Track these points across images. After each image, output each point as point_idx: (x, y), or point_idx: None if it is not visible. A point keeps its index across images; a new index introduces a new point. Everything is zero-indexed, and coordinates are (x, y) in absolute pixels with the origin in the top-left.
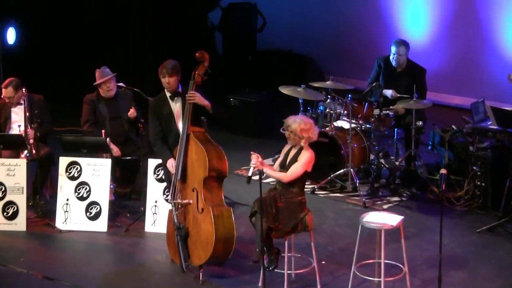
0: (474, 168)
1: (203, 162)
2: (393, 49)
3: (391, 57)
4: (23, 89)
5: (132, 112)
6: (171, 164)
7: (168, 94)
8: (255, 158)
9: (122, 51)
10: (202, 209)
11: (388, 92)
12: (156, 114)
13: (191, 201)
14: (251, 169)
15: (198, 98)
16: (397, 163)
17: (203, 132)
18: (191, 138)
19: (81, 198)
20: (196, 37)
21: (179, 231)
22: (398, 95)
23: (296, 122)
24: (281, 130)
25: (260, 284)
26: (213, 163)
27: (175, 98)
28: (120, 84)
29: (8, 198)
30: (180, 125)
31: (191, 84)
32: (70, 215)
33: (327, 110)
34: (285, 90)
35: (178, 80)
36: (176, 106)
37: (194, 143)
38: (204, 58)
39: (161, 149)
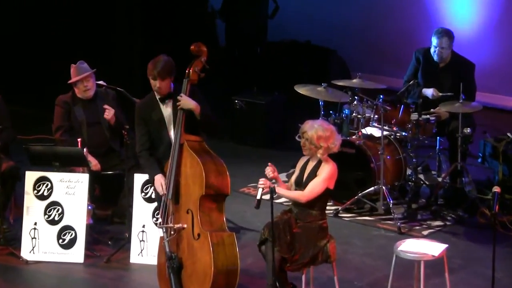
0: None
1: (200, 177)
2: (434, 40)
3: (432, 50)
4: None
5: (108, 113)
6: (159, 182)
7: (158, 96)
8: (270, 171)
9: (103, 42)
10: (199, 235)
11: (429, 92)
12: (144, 119)
13: (185, 226)
14: (260, 191)
15: (183, 101)
16: (439, 179)
17: (200, 142)
18: (185, 149)
19: (52, 222)
20: (192, 25)
21: (171, 262)
22: (441, 95)
23: (314, 128)
24: (296, 138)
25: None
26: (211, 178)
27: (167, 101)
28: (100, 82)
29: None
30: (172, 131)
31: (185, 83)
32: (38, 243)
33: (354, 114)
34: (302, 89)
35: (171, 82)
36: (167, 110)
37: (188, 155)
38: (201, 52)
39: (147, 162)
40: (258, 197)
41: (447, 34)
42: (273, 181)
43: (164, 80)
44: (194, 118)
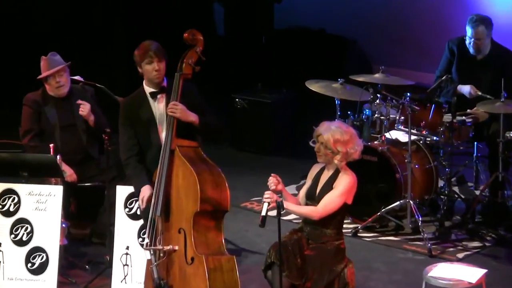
0: None
1: (193, 190)
2: (469, 31)
3: (467, 42)
4: None
5: (84, 109)
6: (143, 195)
7: (148, 91)
8: (272, 182)
9: (79, 30)
10: (193, 259)
11: (466, 90)
12: (131, 119)
13: (176, 248)
14: (265, 206)
15: (180, 112)
16: (477, 192)
17: (195, 147)
18: (177, 156)
19: (20, 243)
20: (186, 10)
21: None
22: (479, 93)
23: (330, 131)
24: (310, 143)
25: None
26: (208, 191)
27: (158, 96)
28: (76, 77)
29: None
30: (164, 133)
31: (177, 78)
32: (3, 267)
33: (376, 115)
34: (314, 86)
35: (165, 67)
36: (159, 108)
37: (180, 163)
38: (196, 41)
39: (134, 171)
40: (263, 213)
41: (483, 22)
42: (279, 195)
43: (161, 61)
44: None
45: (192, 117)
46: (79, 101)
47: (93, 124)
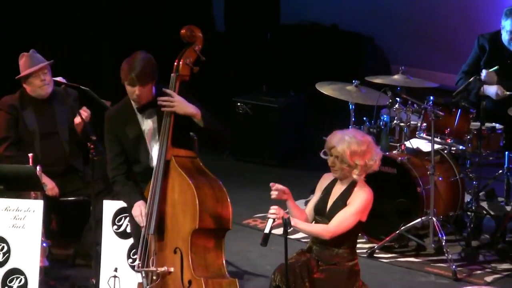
0: None
1: (191, 205)
2: (507, 23)
3: (503, 37)
4: None
5: (82, 120)
6: (138, 210)
7: (135, 105)
8: (276, 193)
9: (61, 27)
10: (190, 282)
11: (491, 90)
12: (117, 135)
13: (172, 269)
14: (269, 223)
15: (178, 104)
16: (508, 208)
17: (193, 158)
18: (173, 167)
19: None
20: (182, 3)
21: None
22: (507, 93)
23: (345, 142)
24: (321, 155)
25: None
26: (207, 207)
27: (147, 111)
28: (58, 79)
29: None
30: (154, 151)
31: (173, 80)
32: None
33: (395, 121)
34: (326, 89)
35: (153, 87)
36: (148, 123)
37: (176, 175)
38: (195, 38)
39: (123, 188)
40: (267, 230)
41: None
42: (286, 210)
43: (145, 86)
44: (185, 127)
45: (192, 109)
46: (84, 109)
47: (80, 130)
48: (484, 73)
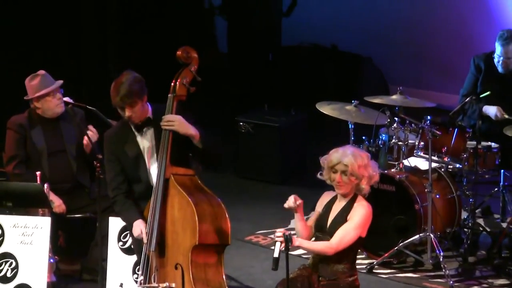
0: None
1: (191, 222)
2: (498, 48)
3: (495, 60)
4: None
5: (89, 141)
6: (139, 228)
7: (132, 124)
8: (293, 205)
9: (67, 47)
10: None
11: (491, 111)
12: (116, 156)
13: (173, 285)
14: (277, 247)
15: (178, 124)
16: (504, 224)
17: (191, 176)
18: (172, 185)
19: (4, 280)
20: (185, 24)
21: None
22: (506, 116)
23: (349, 155)
24: (318, 176)
25: None
26: (206, 223)
27: (145, 129)
28: (66, 99)
29: None
30: (153, 170)
31: (170, 100)
32: None
33: (394, 140)
34: (326, 108)
35: (145, 104)
36: (146, 142)
37: (176, 193)
38: (190, 59)
39: (123, 207)
40: (276, 254)
41: None
42: (292, 232)
43: (133, 106)
44: (183, 144)
45: (192, 130)
46: (90, 128)
47: (89, 151)
48: (493, 110)
